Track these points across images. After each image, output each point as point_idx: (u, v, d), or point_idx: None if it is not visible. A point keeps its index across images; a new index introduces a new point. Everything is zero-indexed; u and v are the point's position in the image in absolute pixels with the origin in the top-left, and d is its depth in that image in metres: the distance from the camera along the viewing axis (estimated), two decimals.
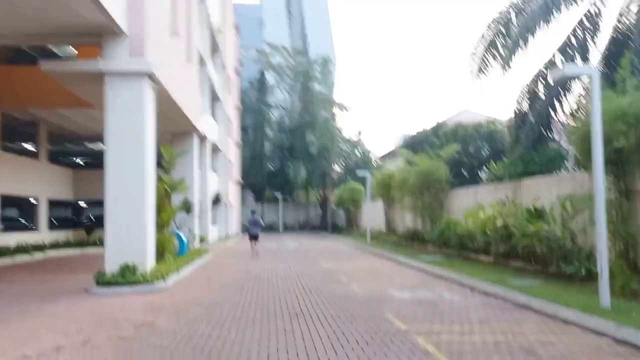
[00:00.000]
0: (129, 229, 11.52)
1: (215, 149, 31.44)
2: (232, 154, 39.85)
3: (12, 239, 19.60)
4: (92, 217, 27.93)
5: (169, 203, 14.21)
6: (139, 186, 11.68)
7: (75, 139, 26.30)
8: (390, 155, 52.02)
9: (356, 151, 55.58)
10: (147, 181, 11.78)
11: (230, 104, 39.00)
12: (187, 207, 17.67)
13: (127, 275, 11.00)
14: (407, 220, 26.76)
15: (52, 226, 23.52)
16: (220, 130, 32.30)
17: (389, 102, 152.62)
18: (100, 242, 18.70)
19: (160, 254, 13.95)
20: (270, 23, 79.87)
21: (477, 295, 10.32)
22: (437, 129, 29.30)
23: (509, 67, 16.59)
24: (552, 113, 16.42)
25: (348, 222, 45.14)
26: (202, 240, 25.41)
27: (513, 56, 16.39)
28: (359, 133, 55.74)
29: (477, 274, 12.87)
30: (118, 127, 11.65)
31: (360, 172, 30.20)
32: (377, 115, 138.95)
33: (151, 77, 12.09)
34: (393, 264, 17.48)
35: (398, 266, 16.59)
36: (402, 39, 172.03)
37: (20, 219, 21.90)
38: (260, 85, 55.68)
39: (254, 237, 20.56)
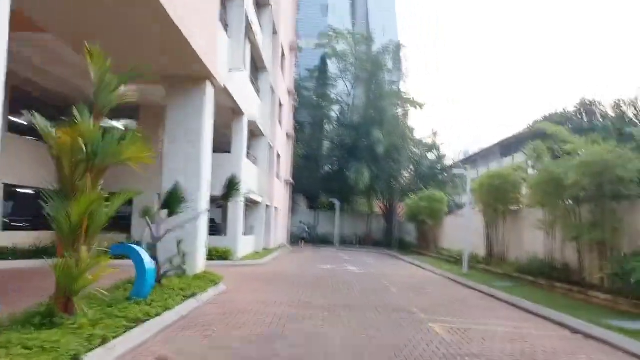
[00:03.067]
0: None
1: (256, 132, 23.59)
2: (281, 146, 31.89)
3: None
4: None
5: (96, 186, 6.12)
6: None
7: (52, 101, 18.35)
8: (471, 160, 42.88)
9: (430, 155, 46.40)
10: None
11: (282, 84, 31.20)
12: (175, 198, 9.61)
13: None
14: (528, 242, 17.70)
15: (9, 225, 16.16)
16: (264, 109, 24.46)
17: (461, 100, 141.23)
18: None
19: (63, 304, 5.91)
20: (333, 13, 72.35)
21: None
22: (585, 107, 19.61)
23: None
24: None
25: (421, 239, 35.96)
26: (225, 256, 17.47)
27: None
28: (434, 134, 46.62)
29: None
30: None
31: (457, 171, 21.33)
32: (448, 116, 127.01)
33: None
34: (571, 337, 8.63)
35: (593, 347, 7.76)
36: (469, 28, 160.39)
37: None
38: (321, 74, 47.48)
39: (302, 239, 35.12)
